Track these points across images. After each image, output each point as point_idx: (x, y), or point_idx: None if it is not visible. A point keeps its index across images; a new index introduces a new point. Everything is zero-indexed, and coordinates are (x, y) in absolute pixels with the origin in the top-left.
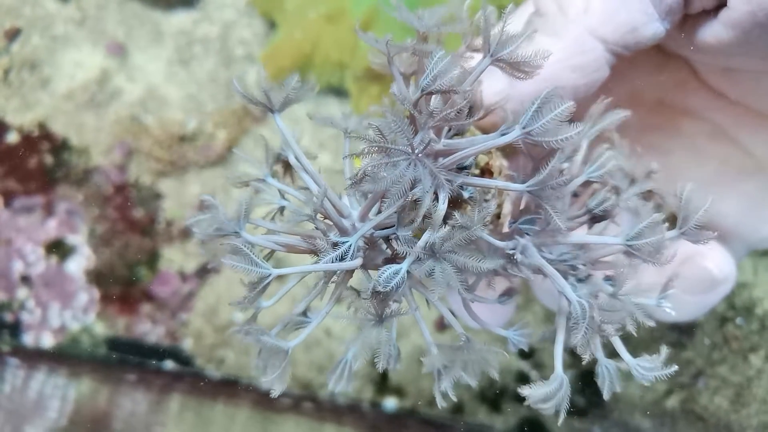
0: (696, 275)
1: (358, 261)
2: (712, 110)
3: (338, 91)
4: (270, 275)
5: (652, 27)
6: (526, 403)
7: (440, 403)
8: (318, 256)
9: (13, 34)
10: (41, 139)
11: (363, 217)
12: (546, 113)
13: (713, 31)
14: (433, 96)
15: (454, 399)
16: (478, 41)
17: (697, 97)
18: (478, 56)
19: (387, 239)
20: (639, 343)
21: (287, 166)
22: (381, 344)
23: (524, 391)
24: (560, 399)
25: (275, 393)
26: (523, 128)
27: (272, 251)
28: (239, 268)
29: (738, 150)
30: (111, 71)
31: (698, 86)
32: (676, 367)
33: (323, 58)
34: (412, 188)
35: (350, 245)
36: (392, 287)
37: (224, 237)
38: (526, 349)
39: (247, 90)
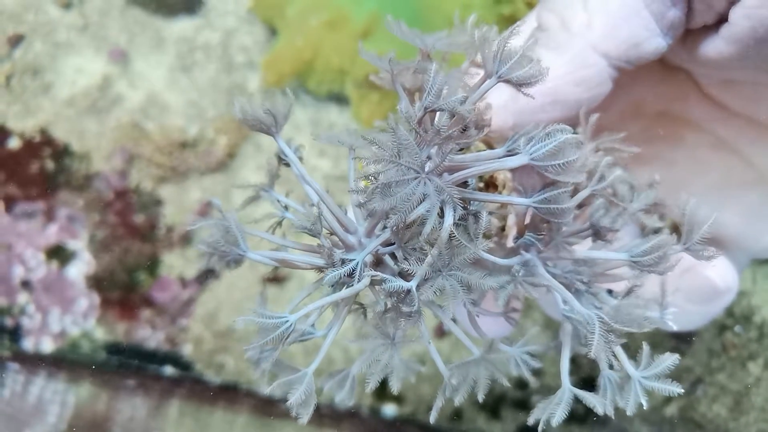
0: (699, 285)
1: (366, 281)
2: (714, 121)
3: (339, 98)
4: (290, 324)
5: (654, 42)
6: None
7: (434, 417)
8: (322, 272)
9: (16, 41)
10: (42, 144)
11: (369, 233)
12: (551, 138)
13: (714, 46)
14: (438, 113)
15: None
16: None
17: (699, 108)
18: (482, 72)
19: (394, 255)
20: (638, 351)
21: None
22: (394, 367)
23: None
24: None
25: (303, 420)
26: (530, 155)
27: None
28: (261, 345)
29: (740, 161)
30: (113, 77)
31: (700, 98)
32: (682, 390)
33: (324, 65)
34: (418, 205)
35: (358, 263)
36: (409, 310)
37: (229, 256)
38: (532, 369)
39: (248, 99)
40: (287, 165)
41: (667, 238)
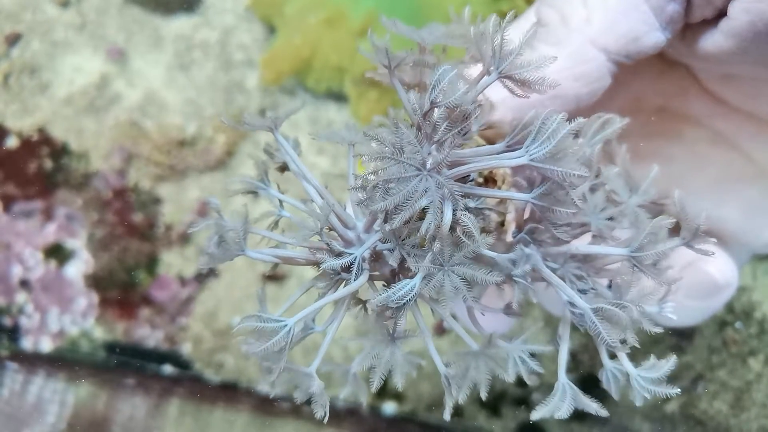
0: (698, 281)
1: (365, 277)
2: (714, 116)
3: (337, 96)
4: (289, 327)
5: (654, 36)
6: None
7: (448, 414)
8: (320, 268)
9: (14, 39)
10: (41, 143)
11: (368, 229)
12: (550, 134)
13: (714, 40)
14: (436, 108)
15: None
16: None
17: (699, 103)
18: (480, 66)
19: (392, 250)
20: (638, 347)
21: (282, 170)
22: (397, 363)
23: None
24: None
25: (325, 417)
26: (529, 156)
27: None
28: (259, 350)
29: (739, 156)
30: (111, 76)
31: (699, 93)
32: (678, 390)
33: (322, 63)
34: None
35: (356, 258)
36: (406, 303)
37: (229, 255)
38: (532, 371)
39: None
40: (284, 170)
41: (661, 220)
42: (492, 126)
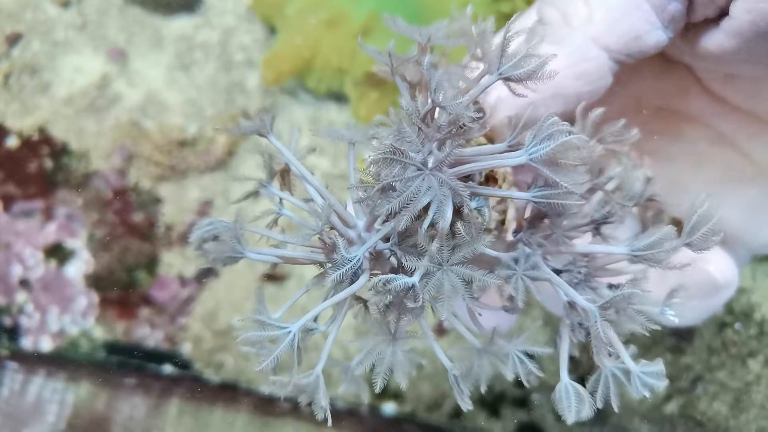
0: (698, 280)
1: (366, 277)
2: (714, 116)
3: (338, 97)
4: (293, 333)
5: (655, 35)
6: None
7: (468, 406)
8: (322, 267)
9: (14, 39)
10: (41, 143)
11: (369, 227)
12: (550, 133)
13: (715, 39)
14: (438, 108)
15: (469, 406)
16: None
17: (700, 103)
18: (482, 66)
19: (392, 249)
20: (637, 347)
21: (286, 172)
22: (398, 363)
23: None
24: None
25: (329, 420)
26: (529, 155)
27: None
28: (264, 359)
29: (739, 156)
30: (111, 76)
31: (700, 92)
32: (667, 381)
33: (323, 64)
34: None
35: (358, 258)
36: (418, 308)
37: (229, 256)
38: (532, 375)
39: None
40: (288, 172)
41: (669, 230)
42: (493, 128)
